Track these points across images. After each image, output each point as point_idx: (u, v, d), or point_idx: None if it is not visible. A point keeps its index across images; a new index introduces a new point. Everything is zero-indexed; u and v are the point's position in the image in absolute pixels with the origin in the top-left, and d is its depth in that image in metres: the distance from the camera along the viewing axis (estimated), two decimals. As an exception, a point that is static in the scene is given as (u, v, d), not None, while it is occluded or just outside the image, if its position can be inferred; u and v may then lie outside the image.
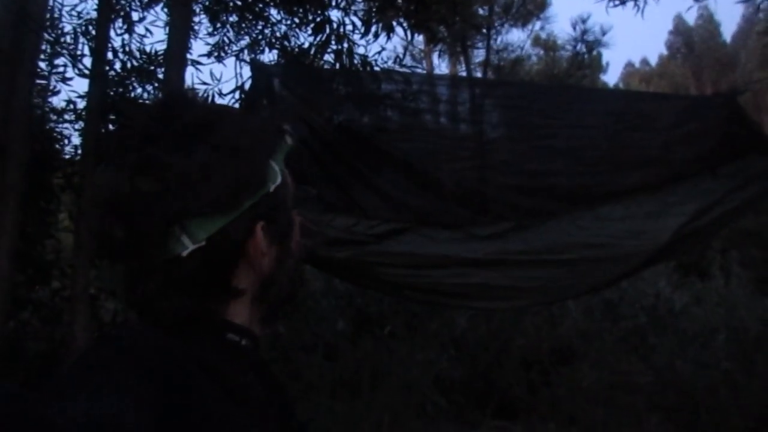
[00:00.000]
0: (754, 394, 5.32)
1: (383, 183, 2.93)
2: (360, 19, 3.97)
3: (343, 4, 4.05)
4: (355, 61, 3.73)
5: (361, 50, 4.09)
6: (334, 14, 4.35)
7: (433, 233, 2.91)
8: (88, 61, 4.02)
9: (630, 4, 5.30)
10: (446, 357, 5.78)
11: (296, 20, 4.83)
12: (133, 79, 4.15)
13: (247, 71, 5.58)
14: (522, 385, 5.63)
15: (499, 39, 9.23)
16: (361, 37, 3.83)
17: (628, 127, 3.34)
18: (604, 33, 8.73)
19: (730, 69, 34.46)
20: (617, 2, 5.08)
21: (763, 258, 14.24)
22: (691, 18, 44.22)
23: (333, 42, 3.86)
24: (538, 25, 10.78)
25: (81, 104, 4.69)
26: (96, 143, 3.73)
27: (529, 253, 2.89)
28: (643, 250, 2.87)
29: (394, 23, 3.85)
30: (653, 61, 46.75)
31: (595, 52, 11.72)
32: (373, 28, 3.82)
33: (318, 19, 4.45)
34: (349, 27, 4.21)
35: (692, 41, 43.99)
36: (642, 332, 7.00)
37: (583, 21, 8.51)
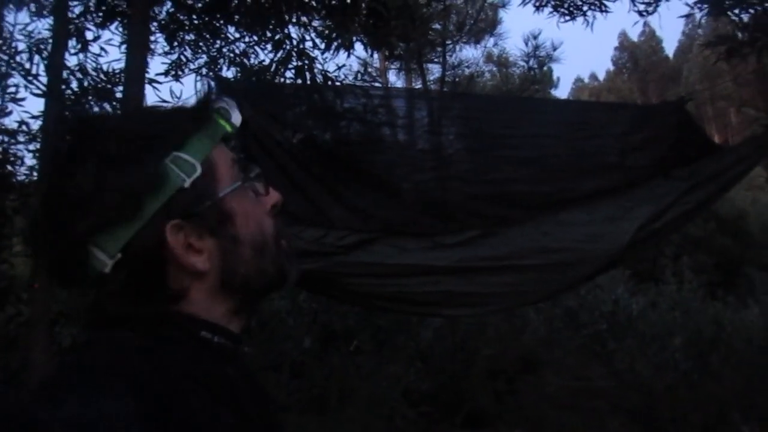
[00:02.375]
0: (711, 393, 5.50)
1: (350, 194, 2.95)
2: (320, 35, 4.02)
3: (302, 21, 4.09)
4: (316, 78, 3.76)
5: (320, 67, 4.15)
6: (294, 31, 4.38)
7: (401, 243, 2.94)
8: (42, 81, 3.96)
9: (579, 20, 5.50)
10: (413, 370, 5.79)
11: (255, 38, 4.85)
12: (90, 98, 4.08)
13: (205, 88, 5.54)
14: (489, 394, 5.69)
15: (454, 56, 9.39)
16: (322, 54, 3.88)
17: (584, 135, 3.46)
18: (554, 48, 9.00)
19: (673, 82, 35.81)
20: (567, 18, 5.27)
21: (713, 263, 14.77)
22: (635, 34, 45.92)
23: (294, 59, 3.89)
24: (491, 41, 11.01)
25: (34, 124, 4.59)
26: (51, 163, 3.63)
27: (495, 260, 2.95)
28: (604, 253, 2.97)
29: (354, 39, 3.91)
30: (601, 76, 48.31)
31: (546, 68, 12.05)
32: (333, 45, 3.87)
33: (277, 37, 4.48)
34: (309, 44, 4.26)
35: (637, 57, 45.64)
36: (602, 338, 7.16)
37: (535, 37, 8.75)
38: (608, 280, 9.58)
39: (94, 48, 4.68)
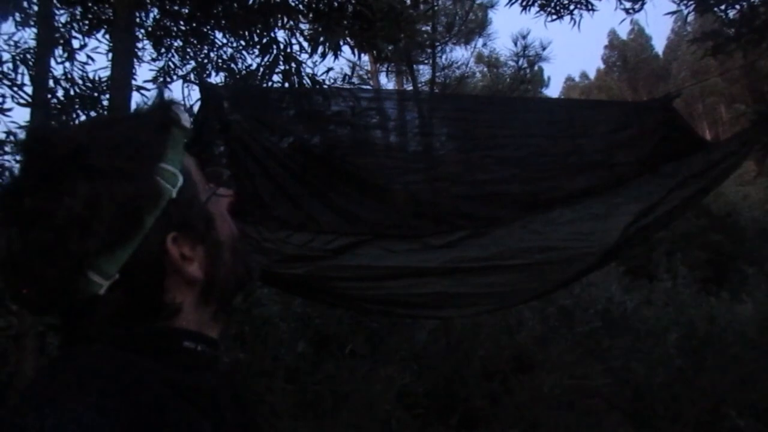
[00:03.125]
0: (706, 388, 5.52)
1: (338, 198, 2.94)
2: (306, 39, 4.01)
3: (289, 25, 4.08)
4: (304, 81, 3.75)
5: (308, 70, 4.14)
6: (281, 35, 4.36)
7: (390, 245, 2.93)
8: (28, 91, 3.93)
9: (567, 18, 5.52)
10: (408, 372, 5.78)
11: (242, 42, 4.84)
12: (77, 106, 4.06)
13: (194, 94, 5.55)
14: (484, 394, 5.68)
15: (444, 57, 9.41)
16: (309, 57, 3.87)
17: (572, 134, 3.46)
18: (543, 48, 9.02)
19: (663, 80, 35.98)
20: (554, 17, 5.28)
21: (707, 259, 14.83)
22: (624, 33, 46.13)
23: (281, 62, 3.87)
24: (480, 42, 11.03)
25: (22, 135, 4.56)
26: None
27: (484, 260, 2.95)
28: (594, 250, 2.97)
29: (341, 42, 3.90)
30: (592, 74, 48.51)
31: (536, 68, 12.09)
32: (320, 48, 3.86)
33: (264, 41, 4.46)
34: (296, 47, 4.25)
35: (627, 55, 45.84)
36: (597, 336, 7.17)
37: (524, 37, 8.77)
38: (602, 277, 9.62)
39: (81, 56, 4.67)
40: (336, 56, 4.04)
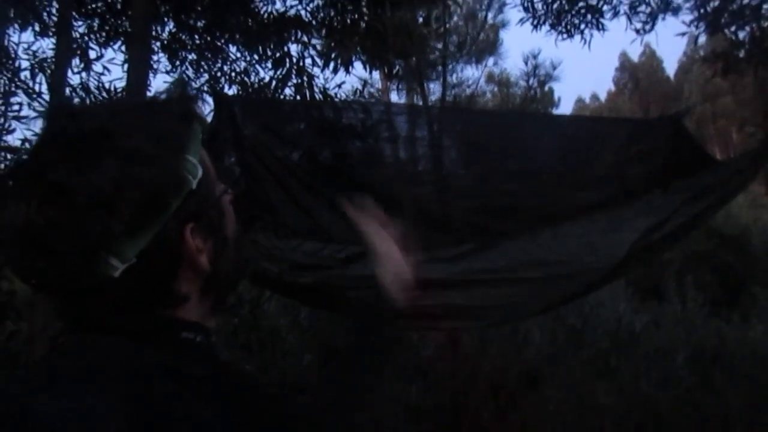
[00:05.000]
0: (715, 410, 5.46)
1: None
2: (319, 53, 4.07)
3: (302, 40, 4.15)
4: (316, 95, 3.81)
5: (320, 84, 4.20)
6: (294, 48, 4.44)
7: (399, 256, 2.94)
8: (45, 100, 4.00)
9: (577, 38, 5.56)
10: (415, 387, 5.76)
11: (255, 56, 4.91)
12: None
13: (206, 107, 5.61)
14: (491, 411, 5.64)
15: (454, 76, 9.48)
16: (321, 71, 3.93)
17: (581, 148, 3.48)
18: (554, 67, 9.08)
19: (675, 102, 35.94)
20: (565, 36, 5.33)
21: (717, 281, 14.69)
22: (635, 55, 46.23)
23: (293, 76, 3.94)
24: (491, 61, 11.11)
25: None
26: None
27: (493, 272, 2.95)
28: (601, 265, 2.96)
29: (353, 58, 3.96)
30: (602, 96, 48.59)
31: (546, 88, 12.15)
32: (332, 63, 3.92)
33: (277, 55, 4.53)
34: (309, 61, 4.32)
35: (638, 77, 45.91)
36: (605, 355, 7.11)
37: (534, 56, 8.84)
38: (611, 297, 9.56)
39: (97, 67, 4.75)
40: (348, 71, 4.11)
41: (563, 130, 3.61)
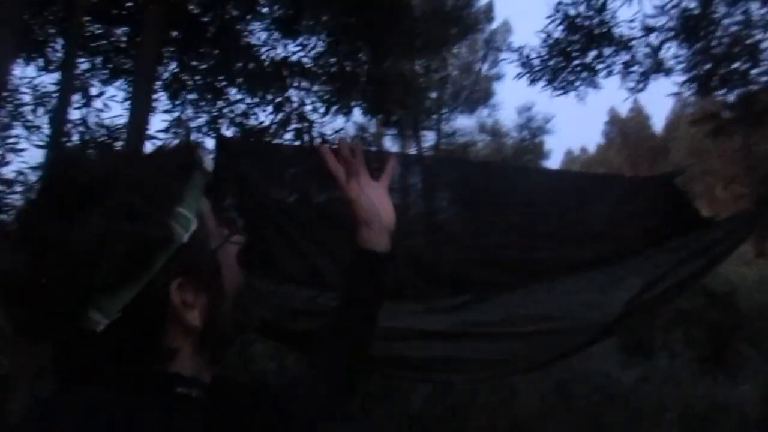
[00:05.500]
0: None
1: (344, 256, 2.95)
2: (320, 99, 4.13)
3: (303, 86, 4.21)
4: (315, 140, 3.84)
5: (320, 129, 4.25)
6: (294, 94, 4.50)
7: (394, 306, 2.91)
8: (44, 133, 4.02)
9: (571, 94, 5.69)
10: (402, 438, 5.65)
11: (256, 99, 4.98)
12: (92, 151, 4.15)
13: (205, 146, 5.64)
14: (479, 465, 5.53)
15: (449, 125, 9.62)
16: (322, 117, 3.97)
17: (576, 204, 3.50)
18: (547, 121, 9.23)
19: (662, 158, 36.55)
20: (560, 91, 5.44)
21: (705, 337, 14.68)
22: (624, 110, 47.18)
23: (294, 120, 3.98)
24: (485, 112, 11.29)
25: (32, 176, 4.63)
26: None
27: (488, 326, 2.93)
28: (597, 322, 2.95)
29: (353, 104, 4.01)
30: (592, 149, 49.39)
31: (537, 140, 12.32)
32: (333, 109, 3.97)
33: (278, 99, 4.59)
34: (309, 107, 4.38)
35: (626, 132, 46.78)
36: (595, 410, 7.03)
37: (528, 109, 8.99)
38: (599, 351, 9.51)
39: (97, 103, 4.80)
40: (347, 118, 4.17)
41: (558, 185, 3.64)
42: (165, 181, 0.80)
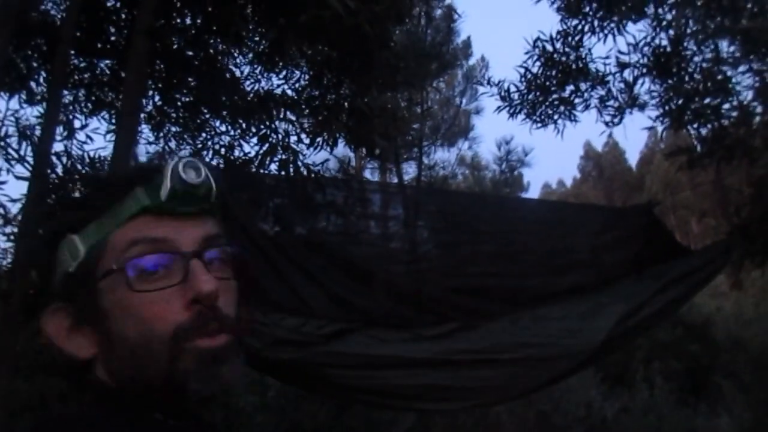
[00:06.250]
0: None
1: (330, 284, 2.97)
2: (305, 131, 4.18)
3: (288, 118, 4.26)
4: (301, 170, 3.88)
5: (305, 160, 4.29)
6: (280, 126, 4.54)
7: (381, 334, 2.94)
8: (27, 165, 4.00)
9: (549, 127, 5.81)
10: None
11: (239, 131, 5.01)
12: (76, 183, 4.13)
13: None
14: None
15: (430, 157, 9.75)
16: (307, 148, 4.02)
17: (558, 234, 3.58)
18: (526, 154, 9.42)
19: (637, 191, 37.17)
20: (539, 125, 5.57)
21: (683, 369, 14.77)
22: (599, 144, 48.12)
23: (279, 152, 4.02)
24: (465, 144, 11.46)
25: (12, 207, 4.57)
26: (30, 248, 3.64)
27: (474, 353, 2.95)
28: (581, 349, 3.00)
29: (338, 136, 4.07)
30: (568, 182, 50.17)
31: (516, 172, 12.52)
32: (318, 141, 4.02)
33: (262, 132, 4.63)
34: (294, 138, 4.42)
35: (602, 166, 47.66)
36: (577, 443, 7.02)
37: (507, 142, 9.17)
38: (580, 383, 9.53)
39: (80, 135, 4.79)
40: (332, 150, 4.23)
41: (541, 215, 3.72)
42: (73, 211, 0.81)
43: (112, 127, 5.19)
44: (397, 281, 3.19)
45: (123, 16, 5.08)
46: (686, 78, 5.27)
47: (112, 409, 0.76)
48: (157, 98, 5.32)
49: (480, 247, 3.41)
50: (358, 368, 2.85)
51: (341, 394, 3.23)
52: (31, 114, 4.73)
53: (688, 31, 4.97)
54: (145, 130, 5.34)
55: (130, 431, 0.74)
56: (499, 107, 5.40)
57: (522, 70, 5.35)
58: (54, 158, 4.13)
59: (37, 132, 4.45)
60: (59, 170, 4.05)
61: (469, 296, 3.22)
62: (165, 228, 0.76)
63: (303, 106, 4.58)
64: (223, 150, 4.72)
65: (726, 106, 5.26)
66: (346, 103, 4.42)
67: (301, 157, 4.04)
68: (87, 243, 0.76)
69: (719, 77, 4.79)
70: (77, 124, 4.90)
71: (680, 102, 5.36)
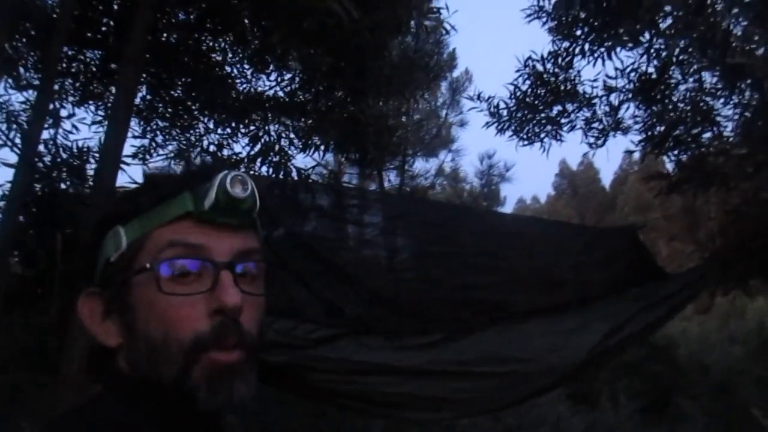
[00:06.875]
0: None
1: (323, 289, 2.99)
2: (297, 135, 4.19)
3: (282, 120, 4.27)
4: (292, 173, 3.89)
5: (297, 164, 4.31)
6: (272, 128, 4.54)
7: (369, 341, 2.96)
8: (16, 152, 3.94)
9: (536, 145, 5.91)
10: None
11: (229, 130, 5.00)
12: (63, 173, 4.08)
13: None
14: None
15: (414, 167, 9.81)
16: (300, 152, 4.03)
17: (542, 250, 3.64)
18: (507, 169, 9.54)
19: (609, 212, 37.74)
20: (526, 143, 5.66)
21: (647, 389, 15.01)
22: (574, 163, 48.85)
23: (272, 154, 4.02)
24: (447, 156, 11.54)
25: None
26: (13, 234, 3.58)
27: (459, 364, 2.99)
28: (564, 364, 3.05)
29: (331, 142, 4.10)
30: (543, 199, 50.73)
31: (494, 187, 12.64)
32: (311, 145, 4.03)
33: (252, 132, 4.63)
34: (285, 141, 4.43)
35: (576, 184, 48.31)
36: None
37: (490, 156, 9.28)
38: (547, 399, 9.63)
39: (66, 125, 4.74)
40: (324, 154, 4.25)
41: (524, 231, 3.78)
42: (125, 204, 0.84)
43: (99, 119, 5.14)
44: (385, 289, 3.21)
45: (116, 7, 5.04)
46: (670, 106, 5.41)
47: (128, 401, 0.78)
48: (145, 92, 5.29)
49: (470, 260, 3.46)
50: (345, 373, 2.87)
51: (327, 399, 3.24)
52: (16, 100, 4.66)
53: (674, 60, 5.10)
54: (132, 123, 5.30)
55: (147, 425, 0.77)
56: (487, 122, 5.48)
57: (512, 88, 5.44)
58: (42, 146, 4.08)
59: (23, 118, 4.40)
60: (47, 159, 4.00)
61: (456, 308, 3.26)
62: (203, 235, 0.78)
63: (295, 110, 4.59)
64: (212, 148, 4.70)
65: (706, 134, 5.42)
66: (337, 110, 4.45)
67: (293, 160, 4.06)
68: (130, 236, 0.79)
69: (703, 107, 4.93)
70: (64, 113, 4.84)
71: (663, 128, 5.50)
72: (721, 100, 5.25)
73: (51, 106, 4.51)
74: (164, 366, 0.75)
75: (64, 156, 4.21)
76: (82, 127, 4.94)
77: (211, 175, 0.79)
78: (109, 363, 0.82)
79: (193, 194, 0.78)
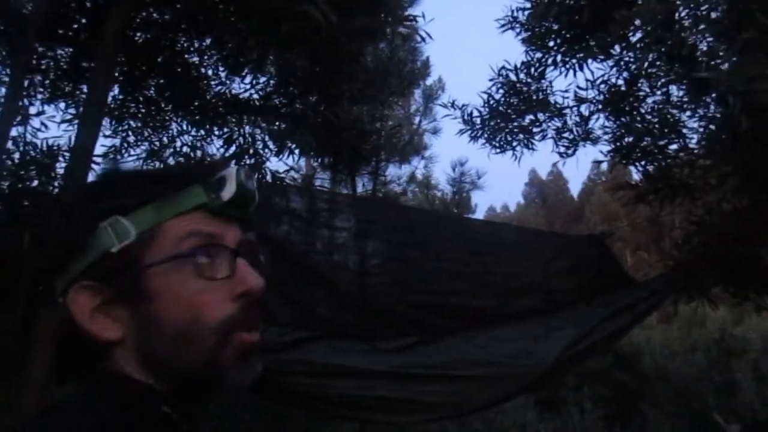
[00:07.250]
0: None
1: (294, 291, 2.99)
2: (272, 138, 4.18)
3: (258, 122, 4.25)
4: (266, 176, 3.88)
5: (271, 166, 4.30)
6: (246, 130, 4.52)
7: (340, 344, 2.97)
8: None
9: (508, 153, 5.99)
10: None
11: (203, 131, 4.96)
12: (32, 171, 4.00)
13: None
14: None
15: (387, 172, 9.81)
16: (275, 155, 4.02)
17: (514, 257, 3.70)
18: (479, 177, 9.61)
19: (577, 221, 38.34)
20: (498, 151, 5.73)
21: (611, 396, 15.26)
22: (543, 173, 49.52)
23: (247, 157, 4.00)
24: (420, 163, 11.57)
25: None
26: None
27: (430, 368, 3.02)
28: (533, 370, 3.10)
29: (305, 145, 4.10)
30: (512, 207, 51.31)
31: (465, 194, 12.73)
32: (286, 148, 4.03)
33: (226, 133, 4.61)
34: (260, 144, 4.42)
35: (545, 194, 49.01)
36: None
37: (462, 164, 9.35)
38: (514, 405, 9.72)
39: (35, 122, 4.66)
40: (299, 158, 4.24)
41: (501, 238, 3.84)
42: (122, 193, 0.83)
43: (68, 117, 5.06)
44: (357, 293, 3.23)
45: (88, 5, 4.97)
46: (638, 117, 5.54)
47: (116, 397, 0.78)
48: (118, 91, 5.22)
49: (443, 265, 3.49)
50: (317, 377, 2.87)
51: (300, 402, 3.22)
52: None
53: (643, 73, 5.22)
54: (104, 122, 5.22)
55: (132, 421, 0.76)
56: (461, 130, 5.53)
57: (485, 96, 5.51)
58: (10, 143, 4.00)
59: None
60: (15, 156, 3.92)
61: (428, 312, 3.29)
62: (216, 226, 0.82)
63: (270, 113, 4.58)
64: (185, 149, 4.66)
65: (673, 146, 5.56)
66: (313, 114, 4.45)
67: (268, 163, 4.05)
68: (140, 226, 0.79)
69: (670, 119, 5.05)
70: (33, 110, 4.76)
71: (631, 139, 5.63)
72: (687, 113, 5.40)
73: (20, 103, 4.43)
74: (193, 349, 0.77)
75: (33, 154, 4.12)
76: (51, 125, 4.86)
77: (216, 169, 0.82)
78: (93, 363, 0.80)
79: (205, 187, 0.81)
